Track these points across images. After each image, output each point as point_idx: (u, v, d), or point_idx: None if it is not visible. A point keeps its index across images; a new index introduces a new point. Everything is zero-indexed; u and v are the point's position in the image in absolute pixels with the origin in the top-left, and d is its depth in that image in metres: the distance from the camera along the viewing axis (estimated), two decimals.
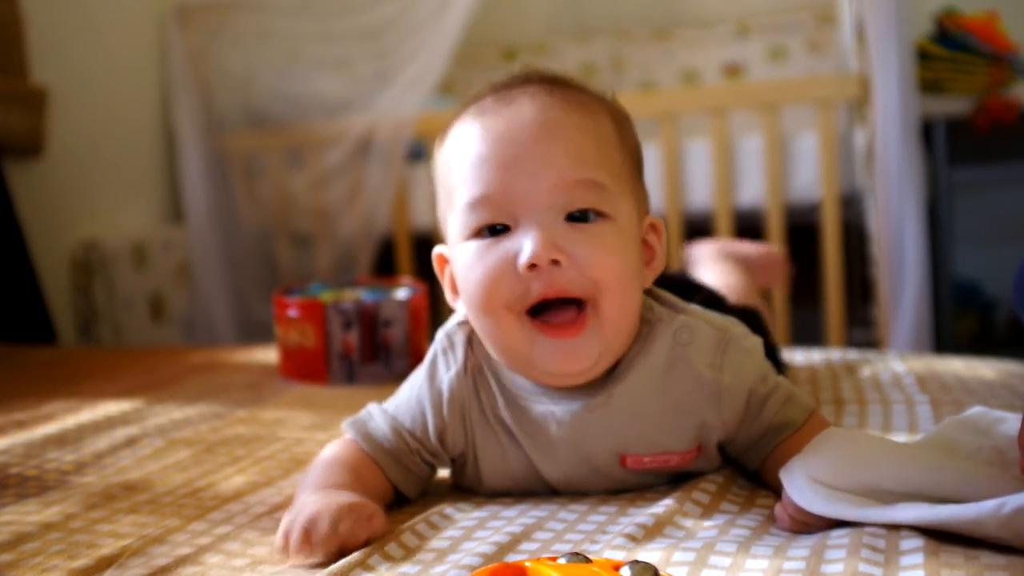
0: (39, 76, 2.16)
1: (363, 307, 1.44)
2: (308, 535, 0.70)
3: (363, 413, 0.88)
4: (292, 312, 1.47)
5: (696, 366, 0.81)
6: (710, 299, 1.11)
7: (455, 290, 0.84)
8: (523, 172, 0.75)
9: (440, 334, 0.87)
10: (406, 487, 0.85)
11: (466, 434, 0.85)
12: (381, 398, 0.91)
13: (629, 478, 0.84)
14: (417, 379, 0.88)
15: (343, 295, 1.51)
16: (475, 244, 0.77)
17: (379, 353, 1.43)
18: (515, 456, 0.84)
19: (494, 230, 0.77)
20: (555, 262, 0.74)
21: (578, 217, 0.76)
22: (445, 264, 0.85)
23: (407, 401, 0.87)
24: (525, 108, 0.77)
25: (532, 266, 0.74)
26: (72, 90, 2.26)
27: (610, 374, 0.81)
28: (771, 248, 1.56)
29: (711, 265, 1.40)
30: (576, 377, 0.79)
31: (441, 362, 0.86)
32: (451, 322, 0.89)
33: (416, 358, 1.35)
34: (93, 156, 2.34)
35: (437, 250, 0.87)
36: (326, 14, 2.55)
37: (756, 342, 0.88)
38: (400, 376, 1.01)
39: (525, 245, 0.74)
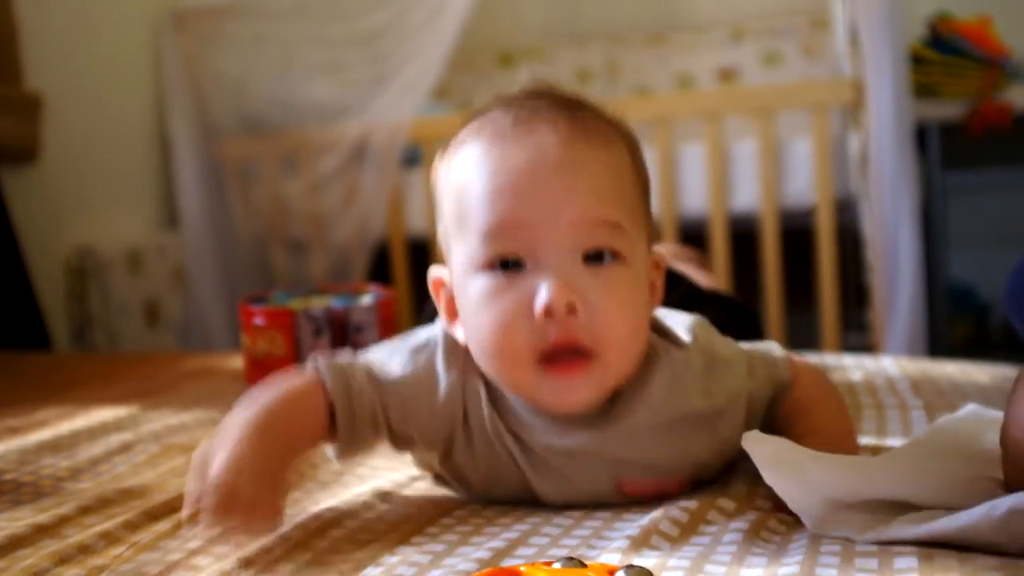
0: (34, 82, 2.16)
1: (333, 313, 1.42)
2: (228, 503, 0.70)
3: (346, 364, 0.82)
4: (259, 320, 1.44)
5: (691, 399, 0.80)
6: (690, 289, 1.21)
7: (453, 315, 0.81)
8: (544, 205, 0.73)
9: (445, 330, 0.83)
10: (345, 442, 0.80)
11: (457, 441, 0.82)
12: None
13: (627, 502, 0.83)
14: (406, 360, 0.82)
15: (310, 302, 1.48)
16: (487, 281, 0.74)
17: None
18: (514, 477, 0.82)
19: (506, 265, 0.74)
20: (571, 309, 0.72)
21: (594, 257, 0.74)
22: (441, 287, 0.82)
23: (399, 377, 0.81)
24: (548, 139, 0.74)
25: (548, 311, 0.72)
26: (67, 96, 2.25)
27: (610, 408, 0.79)
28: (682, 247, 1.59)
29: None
30: (574, 407, 0.77)
31: (441, 360, 0.81)
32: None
33: None
34: (88, 162, 2.34)
35: (434, 274, 0.83)
36: (321, 19, 2.55)
37: (726, 341, 0.87)
38: None
39: (542, 289, 0.72)
